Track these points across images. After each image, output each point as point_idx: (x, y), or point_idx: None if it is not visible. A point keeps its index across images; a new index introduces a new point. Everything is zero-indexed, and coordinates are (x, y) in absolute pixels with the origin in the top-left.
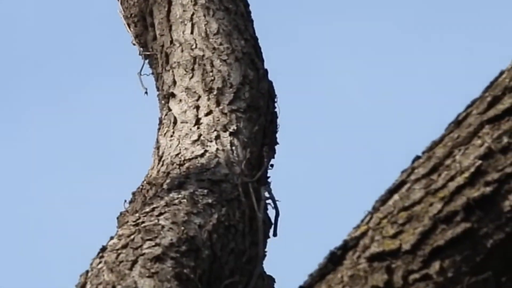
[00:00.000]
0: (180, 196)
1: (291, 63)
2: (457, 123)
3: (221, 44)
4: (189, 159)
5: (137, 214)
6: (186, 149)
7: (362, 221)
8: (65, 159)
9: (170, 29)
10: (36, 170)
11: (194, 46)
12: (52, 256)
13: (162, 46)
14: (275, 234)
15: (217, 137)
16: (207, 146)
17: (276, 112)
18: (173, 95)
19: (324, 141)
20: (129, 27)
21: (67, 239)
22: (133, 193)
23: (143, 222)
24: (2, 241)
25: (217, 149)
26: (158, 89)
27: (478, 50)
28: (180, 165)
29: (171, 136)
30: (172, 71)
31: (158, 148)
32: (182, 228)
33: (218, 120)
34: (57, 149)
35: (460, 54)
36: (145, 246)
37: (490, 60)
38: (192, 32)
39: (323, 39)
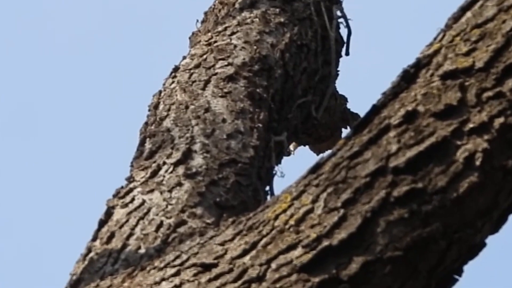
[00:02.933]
0: (252, 15)
1: None
2: None
3: None
4: None
5: (209, 34)
6: None
7: (435, 39)
8: None
9: None
10: None
11: None
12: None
13: None
14: (347, 53)
15: None
16: None
17: None
18: None
19: None
20: None
21: None
22: (205, 13)
23: (215, 41)
24: None
25: None
26: None
27: None
28: None
29: None
30: None
31: None
32: (255, 47)
33: None
34: None
35: None
36: (217, 65)
37: None
38: None
39: None
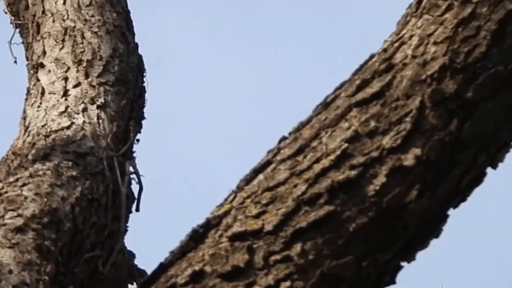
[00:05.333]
0: (44, 167)
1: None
2: (325, 105)
3: (92, 16)
4: (55, 131)
5: (0, 184)
6: (52, 120)
7: (225, 199)
8: None
9: None
10: None
11: (65, 17)
12: None
13: (34, 15)
14: (137, 209)
15: (84, 109)
16: (74, 118)
17: (144, 87)
18: (42, 65)
19: (195, 119)
20: None
21: None
22: None
23: (6, 192)
24: None
25: (84, 121)
26: (27, 59)
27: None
28: (46, 136)
29: (38, 106)
30: (43, 41)
31: (24, 118)
32: (45, 199)
33: (86, 92)
34: None
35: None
36: (7, 216)
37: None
38: (64, 3)
39: None
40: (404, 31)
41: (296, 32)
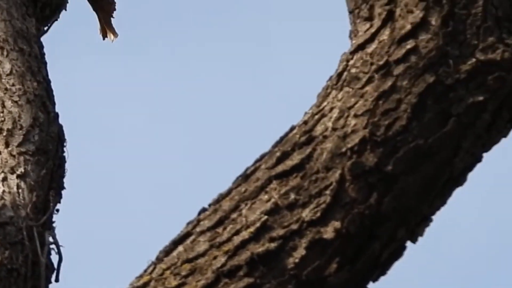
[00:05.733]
0: None
1: None
2: (245, 177)
3: (13, 85)
4: None
5: None
6: None
7: (145, 271)
8: None
9: None
10: None
11: None
12: None
13: None
14: (57, 280)
15: (4, 179)
16: None
17: (64, 157)
18: None
19: (121, 187)
20: None
21: None
22: None
23: None
24: None
25: (4, 191)
26: None
27: None
28: None
29: None
30: None
31: None
32: None
33: (6, 161)
34: None
35: None
36: None
37: None
38: None
39: None
40: (325, 104)
41: (215, 100)
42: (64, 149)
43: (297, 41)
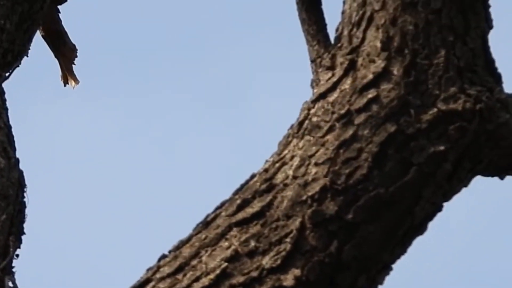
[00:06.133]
0: None
1: None
2: (206, 223)
3: None
4: None
5: None
6: None
7: None
8: None
9: None
10: None
11: None
12: None
13: None
14: None
15: None
16: None
17: (24, 202)
18: None
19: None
20: None
21: None
22: None
23: None
24: None
25: None
26: None
27: None
28: None
29: None
30: None
31: None
32: None
33: None
34: None
35: None
36: None
37: None
38: None
39: None
40: (286, 152)
41: (175, 147)
42: (25, 194)
43: (259, 91)
